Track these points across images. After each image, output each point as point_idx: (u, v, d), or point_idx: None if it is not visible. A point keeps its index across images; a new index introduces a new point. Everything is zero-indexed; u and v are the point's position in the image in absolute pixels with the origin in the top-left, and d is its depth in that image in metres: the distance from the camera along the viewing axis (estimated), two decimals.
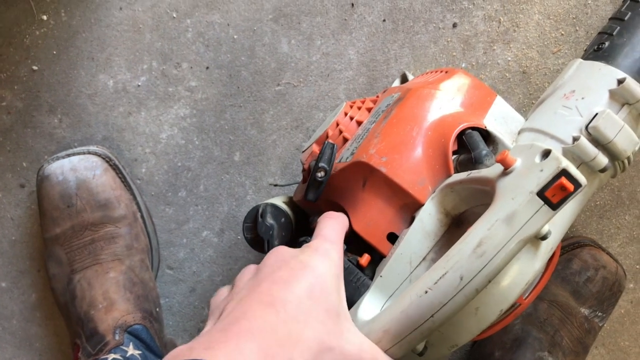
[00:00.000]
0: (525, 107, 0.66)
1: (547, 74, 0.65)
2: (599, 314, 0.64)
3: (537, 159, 0.35)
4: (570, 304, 0.63)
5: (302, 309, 0.33)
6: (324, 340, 0.33)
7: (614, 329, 0.70)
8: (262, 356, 0.29)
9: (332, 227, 0.42)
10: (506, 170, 0.36)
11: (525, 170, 0.35)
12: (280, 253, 0.38)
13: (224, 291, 0.39)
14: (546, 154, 0.35)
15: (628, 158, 0.44)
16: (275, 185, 0.66)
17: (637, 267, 0.69)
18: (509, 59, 0.65)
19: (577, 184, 0.33)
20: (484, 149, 0.42)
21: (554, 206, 0.34)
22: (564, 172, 0.33)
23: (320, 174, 0.47)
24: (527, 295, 0.46)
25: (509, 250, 0.34)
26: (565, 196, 0.34)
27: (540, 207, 0.34)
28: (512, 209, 0.34)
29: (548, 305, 0.63)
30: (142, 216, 0.65)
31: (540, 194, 0.34)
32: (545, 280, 0.47)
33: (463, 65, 0.65)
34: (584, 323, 0.63)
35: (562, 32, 0.65)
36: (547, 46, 0.65)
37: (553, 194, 0.34)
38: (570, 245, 0.66)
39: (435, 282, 0.36)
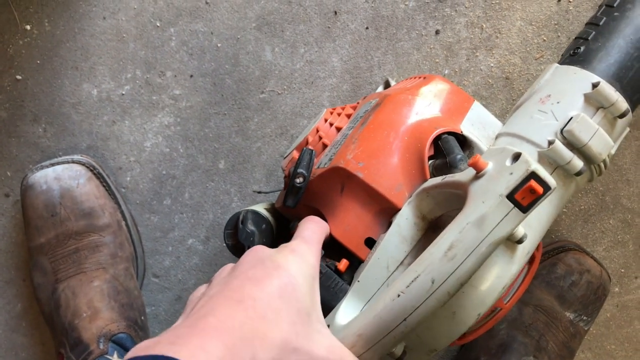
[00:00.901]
0: (508, 112, 0.66)
1: (529, 80, 0.66)
2: (584, 317, 0.64)
3: (508, 162, 0.35)
4: (555, 308, 0.63)
5: (272, 307, 0.33)
6: (291, 340, 0.33)
7: (600, 333, 0.70)
8: (226, 353, 0.29)
9: (311, 230, 0.42)
10: (478, 174, 0.37)
11: (496, 174, 0.35)
12: (257, 252, 0.39)
13: (201, 288, 0.39)
14: (516, 157, 0.35)
15: (604, 161, 0.44)
16: (259, 192, 0.66)
17: (622, 270, 0.69)
18: (492, 65, 0.66)
19: (546, 187, 0.34)
20: (458, 153, 0.42)
21: (524, 209, 0.34)
22: (533, 175, 0.34)
23: (299, 180, 0.47)
24: (508, 299, 0.46)
25: (479, 254, 0.34)
26: (535, 199, 0.34)
27: (510, 210, 0.34)
28: (483, 212, 0.35)
29: (533, 309, 0.63)
30: (126, 224, 0.65)
31: (510, 196, 0.34)
32: (526, 285, 0.47)
33: (446, 72, 0.66)
34: (569, 327, 0.63)
35: (544, 38, 0.65)
36: (530, 52, 0.65)
37: (523, 196, 0.34)
38: (555, 249, 0.66)
39: (408, 286, 0.36)
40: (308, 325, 0.35)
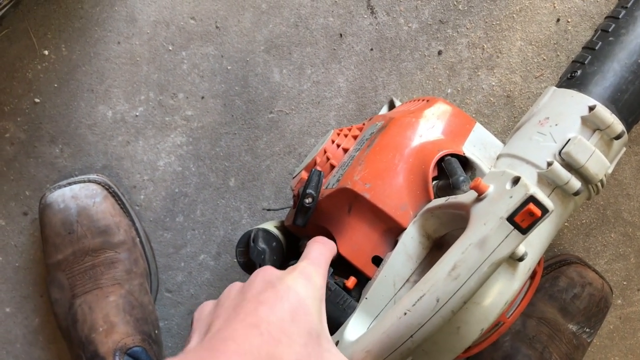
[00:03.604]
0: (510, 130, 0.68)
1: (530, 98, 0.68)
2: (587, 329, 0.65)
3: (508, 186, 0.37)
4: (558, 320, 0.65)
5: (285, 331, 0.34)
6: None
7: (603, 345, 0.71)
8: None
9: (318, 251, 0.43)
10: (480, 196, 0.38)
11: (496, 197, 0.37)
12: (267, 274, 0.39)
13: (208, 305, 0.40)
14: (516, 181, 0.37)
15: (601, 181, 0.46)
16: (269, 209, 0.68)
17: (624, 283, 0.71)
18: (493, 83, 0.67)
19: (544, 210, 0.35)
20: (461, 175, 0.44)
21: (524, 231, 0.36)
22: (532, 199, 0.35)
23: (308, 200, 0.49)
24: (510, 313, 0.48)
25: (482, 273, 0.36)
26: (534, 221, 0.36)
27: (510, 232, 0.36)
28: (484, 234, 0.36)
29: (536, 322, 0.65)
30: (140, 241, 0.67)
31: (510, 219, 0.36)
32: (528, 299, 0.49)
33: (449, 91, 0.68)
34: (572, 339, 0.65)
35: (544, 57, 0.67)
36: (530, 71, 0.67)
37: (522, 219, 0.36)
38: (557, 263, 0.67)
39: (414, 304, 0.37)
40: (319, 345, 0.36)
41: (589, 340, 0.66)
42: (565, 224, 0.70)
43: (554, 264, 0.67)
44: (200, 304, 0.42)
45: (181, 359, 0.32)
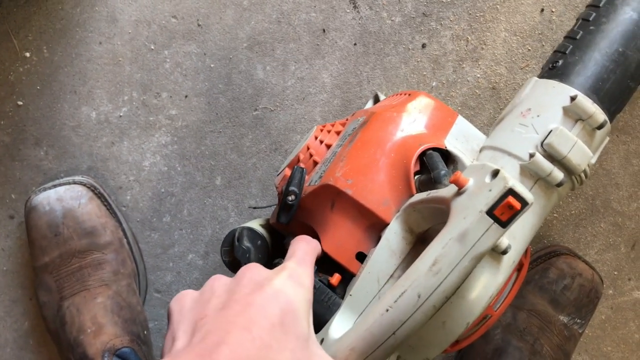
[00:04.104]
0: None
1: (516, 89, 0.67)
2: (578, 320, 0.65)
3: (487, 179, 0.37)
4: (549, 312, 0.65)
5: (275, 336, 0.34)
6: None
7: (595, 335, 0.71)
8: None
9: (303, 250, 0.42)
10: (460, 190, 0.38)
11: (476, 190, 0.37)
12: (254, 273, 0.38)
13: (187, 297, 0.38)
14: (495, 173, 0.36)
15: (584, 171, 0.46)
16: (255, 207, 0.68)
17: (615, 273, 0.71)
18: (478, 75, 0.67)
19: (524, 202, 0.35)
20: (442, 169, 0.44)
21: (504, 224, 0.36)
22: (511, 191, 0.35)
23: (291, 198, 0.48)
24: (497, 306, 0.48)
25: (462, 268, 0.36)
26: (514, 214, 0.35)
27: (490, 226, 0.36)
28: (464, 228, 0.36)
29: (527, 314, 0.65)
30: (128, 242, 0.67)
31: (490, 212, 0.35)
32: (515, 291, 0.48)
33: (434, 84, 0.67)
34: (563, 330, 0.65)
35: (529, 48, 0.67)
36: (515, 62, 0.67)
37: (502, 212, 0.35)
38: (547, 254, 0.67)
39: (395, 301, 0.37)
40: (307, 349, 0.35)
41: (580, 331, 0.66)
42: (554, 214, 0.70)
43: (543, 255, 0.67)
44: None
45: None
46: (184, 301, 0.38)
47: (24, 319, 0.70)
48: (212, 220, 0.69)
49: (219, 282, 0.39)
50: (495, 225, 0.36)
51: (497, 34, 0.67)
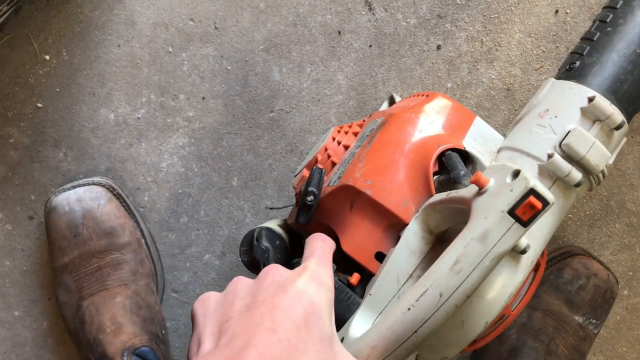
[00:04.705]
0: (511, 122, 0.68)
1: (530, 90, 0.67)
2: (593, 321, 0.65)
3: (508, 179, 0.37)
4: (564, 312, 0.65)
5: (300, 337, 0.34)
6: None
7: (610, 336, 0.71)
8: None
9: (321, 249, 0.42)
10: (480, 190, 0.38)
11: (497, 190, 0.37)
12: (276, 275, 0.39)
13: (211, 299, 0.39)
14: (516, 174, 0.37)
15: (602, 172, 0.46)
16: (272, 208, 0.68)
17: (630, 274, 0.71)
18: (493, 77, 0.67)
19: (545, 202, 0.36)
20: (462, 169, 0.44)
21: (525, 224, 0.36)
22: (532, 191, 0.35)
23: (310, 198, 0.49)
24: (514, 306, 0.48)
25: (484, 267, 0.36)
26: (535, 214, 0.36)
27: (511, 225, 0.36)
28: (486, 228, 0.36)
29: (542, 314, 0.65)
30: (146, 242, 0.67)
31: (511, 212, 0.36)
32: (532, 291, 0.49)
33: (449, 85, 0.68)
34: (578, 330, 0.65)
35: (544, 49, 0.67)
36: (530, 63, 0.67)
37: (523, 212, 0.36)
38: (562, 254, 0.67)
39: (417, 300, 0.38)
40: (331, 350, 0.36)
41: (595, 332, 0.66)
42: (569, 215, 0.70)
43: (558, 255, 0.67)
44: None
45: None
46: (208, 303, 0.38)
47: (43, 318, 0.71)
48: (228, 221, 0.69)
49: (242, 283, 0.39)
50: (517, 225, 0.36)
51: (511, 36, 0.67)
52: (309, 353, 0.34)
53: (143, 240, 0.67)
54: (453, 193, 0.42)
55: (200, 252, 0.70)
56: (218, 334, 0.35)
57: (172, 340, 0.71)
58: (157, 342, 0.64)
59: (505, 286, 0.43)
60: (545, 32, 0.67)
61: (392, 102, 0.65)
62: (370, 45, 0.67)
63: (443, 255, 0.38)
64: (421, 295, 0.38)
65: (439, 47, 0.67)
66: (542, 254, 0.48)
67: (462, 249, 0.37)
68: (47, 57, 0.67)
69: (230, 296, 0.38)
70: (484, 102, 0.68)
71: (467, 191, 0.40)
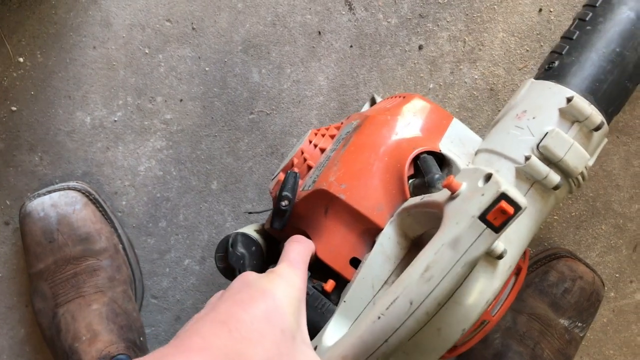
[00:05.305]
0: None
1: (514, 90, 0.66)
2: (579, 324, 0.64)
3: (480, 183, 0.36)
4: (549, 315, 0.64)
5: (256, 329, 0.34)
6: None
7: (597, 338, 0.70)
8: None
9: (297, 251, 0.42)
10: (453, 194, 0.37)
11: (469, 195, 0.36)
12: (245, 277, 0.39)
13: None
14: (488, 178, 0.36)
15: (581, 174, 0.45)
16: (251, 212, 0.67)
17: (617, 275, 0.70)
18: (476, 77, 0.66)
19: (517, 207, 0.34)
20: (436, 172, 0.43)
21: (497, 229, 0.35)
22: (504, 196, 0.34)
23: (284, 203, 0.48)
24: (495, 311, 0.47)
25: (455, 274, 0.35)
26: (507, 219, 0.35)
27: (483, 231, 0.35)
28: (457, 234, 0.35)
29: (527, 318, 0.64)
30: (123, 248, 0.66)
31: (482, 217, 0.35)
32: (513, 296, 0.48)
33: (431, 86, 0.66)
34: (564, 334, 0.64)
35: (527, 49, 0.66)
36: (513, 63, 0.66)
37: (495, 217, 0.35)
38: (547, 257, 0.66)
39: (387, 308, 0.37)
40: (292, 346, 0.35)
41: (581, 335, 0.65)
42: (554, 217, 0.69)
43: (543, 258, 0.66)
44: (187, 309, 0.42)
45: (146, 357, 0.31)
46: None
47: (20, 326, 0.70)
48: (208, 225, 0.68)
49: (216, 295, 0.40)
50: (488, 231, 0.35)
51: (494, 35, 0.66)
52: (264, 344, 0.34)
53: (120, 246, 0.66)
54: (427, 197, 0.41)
55: (179, 257, 0.69)
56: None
57: (152, 346, 0.69)
58: (135, 349, 0.62)
59: (483, 292, 0.42)
60: (528, 31, 0.66)
61: (373, 103, 0.64)
62: (351, 46, 0.66)
63: (414, 262, 0.37)
64: (391, 303, 0.36)
65: (420, 47, 0.66)
66: (524, 256, 0.47)
67: (432, 256, 0.36)
68: (21, 60, 0.65)
69: (205, 307, 0.39)
70: (467, 102, 0.67)
71: (440, 195, 0.39)
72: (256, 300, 0.36)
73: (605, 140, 0.47)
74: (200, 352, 0.31)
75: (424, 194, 0.43)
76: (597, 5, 0.48)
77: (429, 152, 0.45)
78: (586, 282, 0.64)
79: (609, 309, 0.70)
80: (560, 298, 0.64)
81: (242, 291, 0.37)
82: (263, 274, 0.40)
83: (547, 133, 0.43)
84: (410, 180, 0.45)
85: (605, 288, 0.67)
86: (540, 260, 0.66)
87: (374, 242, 0.45)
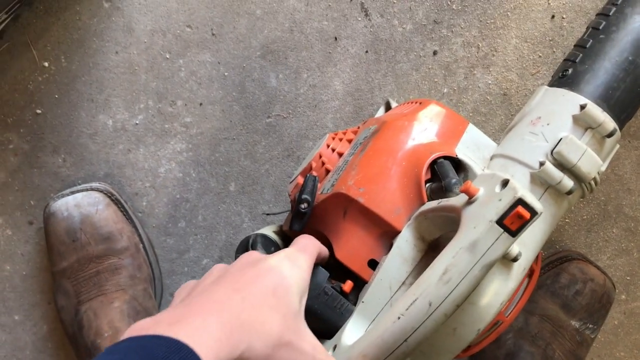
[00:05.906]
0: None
1: (527, 95, 0.67)
2: (590, 325, 0.65)
3: (497, 189, 0.37)
4: (561, 317, 0.65)
5: (266, 302, 0.34)
6: (284, 334, 0.34)
7: (608, 340, 0.71)
8: (225, 335, 0.30)
9: (305, 241, 0.43)
10: (470, 199, 0.39)
11: (486, 200, 0.38)
12: (251, 256, 0.40)
13: (189, 284, 0.39)
14: (505, 183, 0.37)
15: (594, 179, 0.46)
16: (269, 214, 0.69)
17: (628, 278, 0.71)
18: (490, 82, 0.68)
19: (533, 212, 0.36)
20: (453, 177, 0.44)
21: (513, 233, 0.36)
22: (520, 201, 0.36)
23: (304, 206, 0.49)
24: (509, 312, 0.48)
25: (472, 277, 0.37)
26: (523, 223, 0.36)
27: (500, 235, 0.36)
28: (474, 237, 0.37)
29: (539, 319, 0.65)
30: (144, 247, 0.68)
31: (499, 222, 0.36)
32: (526, 297, 0.49)
33: (445, 91, 0.68)
34: (575, 335, 0.65)
35: (540, 54, 0.67)
36: (526, 68, 0.67)
37: (511, 221, 0.36)
38: (559, 259, 0.67)
39: (407, 309, 0.38)
40: (297, 322, 0.36)
41: (592, 337, 0.66)
42: (566, 220, 0.70)
43: (555, 260, 0.67)
44: None
45: (158, 317, 0.31)
46: (185, 287, 0.39)
47: (42, 322, 0.71)
48: (226, 226, 0.70)
49: (218, 266, 0.40)
50: (505, 235, 0.36)
51: (508, 41, 0.67)
52: (273, 317, 0.34)
53: (141, 245, 0.68)
54: (444, 201, 0.42)
55: (198, 256, 0.70)
56: (185, 298, 0.36)
57: None
58: None
59: (498, 294, 0.43)
60: (541, 37, 0.67)
61: (388, 107, 0.65)
62: (367, 51, 0.67)
63: (433, 264, 0.38)
64: (411, 304, 0.38)
65: (435, 53, 0.67)
66: (537, 259, 0.48)
67: (451, 259, 0.37)
68: (46, 64, 0.67)
69: (205, 276, 0.39)
70: (480, 107, 0.68)
71: (457, 200, 0.40)
72: (264, 277, 0.36)
73: (618, 146, 0.49)
74: (216, 314, 0.31)
75: (441, 198, 0.44)
76: (610, 14, 0.49)
77: (446, 157, 0.47)
78: (597, 284, 0.65)
79: (620, 312, 0.71)
80: (571, 300, 0.65)
81: (249, 268, 0.37)
82: (269, 254, 0.40)
83: (561, 139, 0.45)
84: (427, 185, 0.47)
85: (617, 290, 0.68)
86: (552, 262, 0.67)
87: (391, 245, 0.47)
